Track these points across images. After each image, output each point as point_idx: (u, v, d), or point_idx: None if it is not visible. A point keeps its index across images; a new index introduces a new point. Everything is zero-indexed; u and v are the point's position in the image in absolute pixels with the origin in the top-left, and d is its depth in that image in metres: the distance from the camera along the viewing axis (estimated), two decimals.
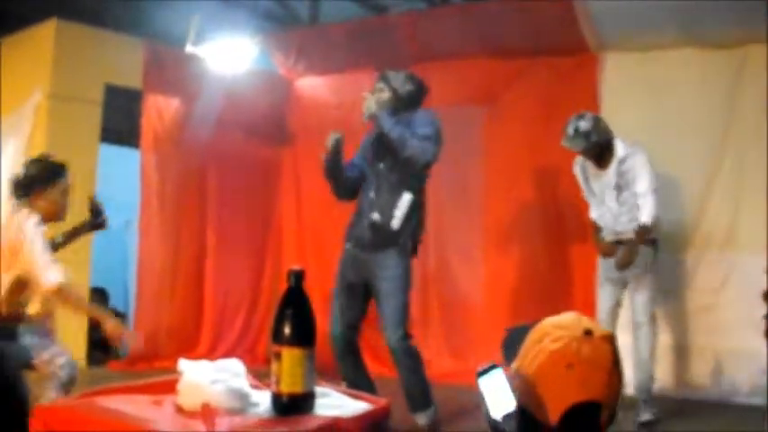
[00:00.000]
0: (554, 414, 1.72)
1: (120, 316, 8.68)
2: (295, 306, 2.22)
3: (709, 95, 6.35)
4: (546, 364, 1.76)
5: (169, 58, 7.44)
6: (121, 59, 7.46)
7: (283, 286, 2.25)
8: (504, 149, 7.06)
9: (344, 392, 2.52)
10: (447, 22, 7.25)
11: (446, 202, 7.25)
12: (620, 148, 5.72)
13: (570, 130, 5.67)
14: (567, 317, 1.88)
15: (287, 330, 2.18)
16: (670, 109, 6.36)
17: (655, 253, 5.73)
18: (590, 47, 6.70)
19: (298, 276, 2.23)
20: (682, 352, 6.37)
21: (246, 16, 8.41)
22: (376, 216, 4.94)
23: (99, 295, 8.48)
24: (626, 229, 5.72)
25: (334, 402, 2.39)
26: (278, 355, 2.19)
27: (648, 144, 6.33)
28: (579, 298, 6.46)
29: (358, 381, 4.94)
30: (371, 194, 5.00)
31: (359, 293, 5.05)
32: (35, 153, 7.13)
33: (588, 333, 1.79)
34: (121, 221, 9.37)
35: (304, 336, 2.20)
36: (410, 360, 4.94)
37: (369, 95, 4.96)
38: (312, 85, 8.09)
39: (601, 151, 5.73)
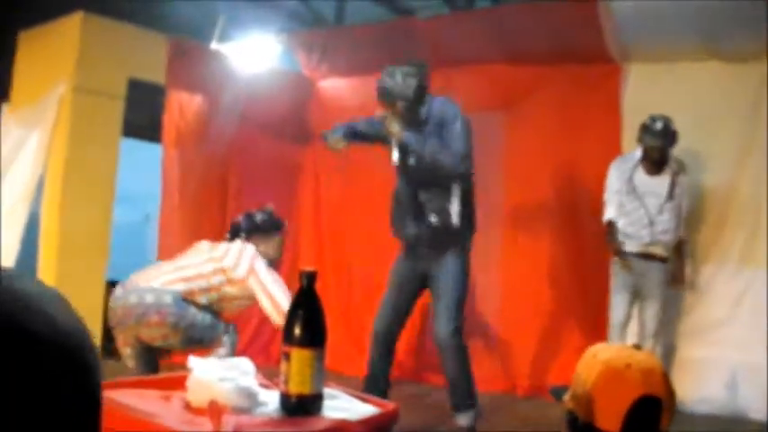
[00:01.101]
0: (617, 415, 1.76)
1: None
2: (306, 307, 2.22)
3: (733, 109, 6.32)
4: (604, 372, 1.82)
5: (193, 55, 7.44)
6: (145, 54, 7.49)
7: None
8: (524, 156, 7.04)
9: (353, 395, 2.52)
10: (470, 28, 7.24)
11: None
12: (672, 161, 5.94)
13: (658, 126, 5.83)
14: (610, 344, 1.98)
15: (297, 331, 2.19)
16: (692, 122, 6.32)
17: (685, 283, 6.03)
18: (614, 57, 6.68)
19: (309, 277, 2.24)
20: (694, 365, 6.34)
21: (272, 15, 8.44)
22: (434, 219, 4.91)
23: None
24: (656, 240, 5.85)
25: (342, 405, 2.39)
26: (287, 356, 2.19)
27: None
28: (594, 304, 6.43)
29: (382, 377, 5.05)
30: (421, 197, 4.94)
31: (411, 292, 5.09)
32: (59, 145, 7.22)
33: (636, 347, 1.87)
34: (141, 215, 9.40)
35: (314, 337, 2.21)
36: (460, 355, 4.94)
37: (387, 116, 4.90)
38: (335, 86, 8.09)
39: (664, 156, 5.89)
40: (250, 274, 4.55)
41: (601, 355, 1.89)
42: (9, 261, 7.24)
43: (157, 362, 4.73)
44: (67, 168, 7.17)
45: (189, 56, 7.32)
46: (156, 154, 7.49)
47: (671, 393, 1.84)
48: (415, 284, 5.09)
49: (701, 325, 6.40)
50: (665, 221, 5.87)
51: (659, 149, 5.85)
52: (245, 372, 2.37)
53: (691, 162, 6.22)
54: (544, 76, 6.98)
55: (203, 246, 4.78)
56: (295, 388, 2.19)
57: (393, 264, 5.22)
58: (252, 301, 4.62)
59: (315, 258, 7.77)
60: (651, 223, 5.86)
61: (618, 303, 5.94)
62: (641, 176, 5.96)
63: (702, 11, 5.98)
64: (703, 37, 6.21)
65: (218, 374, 2.28)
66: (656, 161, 5.90)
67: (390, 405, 2.48)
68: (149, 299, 4.44)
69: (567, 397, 1.96)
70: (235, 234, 4.85)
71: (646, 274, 5.93)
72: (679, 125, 6.34)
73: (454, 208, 4.91)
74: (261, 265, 4.59)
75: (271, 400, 2.32)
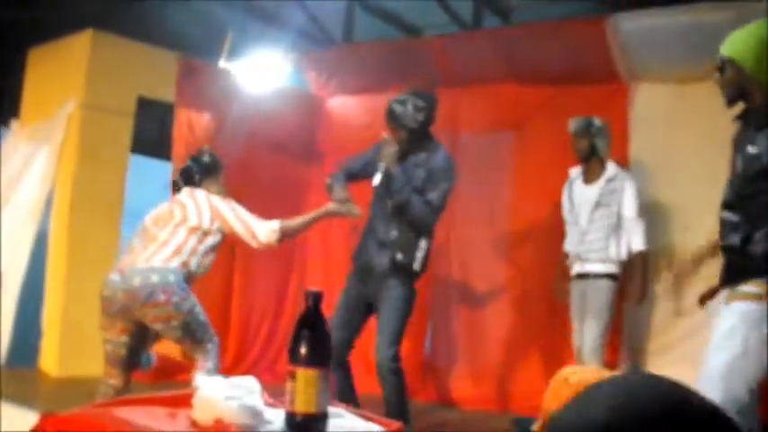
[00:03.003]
0: None
1: (145, 327, 8.72)
2: (311, 327, 2.22)
3: None
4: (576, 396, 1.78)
5: (202, 73, 7.47)
6: (155, 72, 7.54)
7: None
8: (532, 176, 7.04)
9: (358, 414, 2.52)
10: (478, 47, 7.26)
11: (473, 228, 7.27)
12: (611, 168, 5.83)
13: (582, 118, 5.82)
14: (581, 366, 1.94)
15: (302, 350, 2.18)
16: (701, 143, 6.31)
17: (614, 289, 5.74)
18: (621, 77, 6.68)
19: (315, 297, 2.24)
20: None
21: (280, 34, 8.46)
22: (400, 256, 5.07)
23: None
24: (588, 249, 5.75)
25: (347, 423, 2.39)
26: (293, 375, 2.19)
27: (678, 177, 6.32)
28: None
29: (346, 392, 5.13)
30: (392, 234, 5.11)
31: (361, 311, 5.21)
32: (67, 162, 7.24)
33: (610, 368, 1.84)
34: None
35: (319, 357, 2.21)
36: (396, 379, 5.07)
37: (387, 139, 5.06)
38: (343, 105, 8.11)
39: (590, 154, 5.83)
40: (215, 215, 4.74)
41: (571, 378, 1.86)
42: (17, 278, 7.26)
43: (141, 354, 4.88)
44: (76, 185, 7.20)
45: (198, 74, 7.35)
46: (164, 171, 7.51)
47: None
48: (363, 307, 5.24)
49: (669, 342, 6.36)
50: (596, 230, 5.75)
51: (574, 144, 5.84)
52: (251, 390, 2.36)
53: (700, 181, 6.19)
54: (552, 96, 6.98)
55: (160, 216, 4.81)
56: (300, 407, 2.18)
57: (344, 286, 5.35)
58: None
59: (321, 277, 7.77)
60: (583, 232, 5.80)
61: (574, 333, 5.89)
62: (579, 187, 5.94)
63: (711, 30, 5.97)
64: (711, 57, 6.19)
65: (224, 393, 2.27)
66: (581, 158, 5.86)
67: (395, 424, 2.48)
68: (155, 278, 4.47)
69: (535, 427, 1.94)
70: (189, 179, 4.98)
71: (586, 295, 5.79)
72: (687, 144, 6.34)
73: (420, 253, 5.11)
74: (218, 202, 4.80)
75: (276, 419, 2.31)
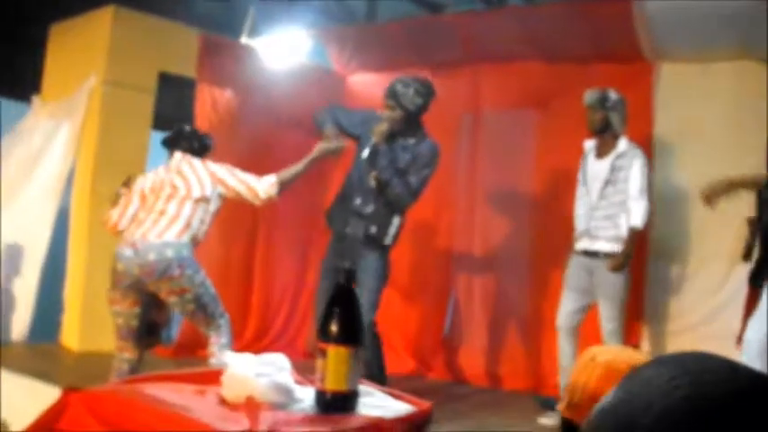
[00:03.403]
0: None
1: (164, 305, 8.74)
2: (343, 304, 2.21)
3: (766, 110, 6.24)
4: (605, 375, 1.77)
5: (223, 49, 7.44)
6: (176, 48, 7.52)
7: None
8: (555, 154, 6.99)
9: (388, 393, 2.50)
10: (502, 25, 7.22)
11: (494, 207, 7.24)
12: (622, 143, 5.72)
13: (598, 88, 5.73)
14: (607, 345, 1.91)
15: (334, 328, 2.17)
16: (725, 123, 6.26)
17: (612, 266, 5.62)
18: (646, 56, 6.62)
19: (348, 273, 2.22)
20: None
21: (302, 11, 8.43)
22: (373, 229, 5.34)
23: None
24: (597, 227, 5.68)
25: (377, 402, 2.38)
26: (324, 353, 2.18)
27: (702, 157, 6.26)
28: (627, 309, 6.36)
29: None
30: (369, 207, 5.36)
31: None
32: (89, 138, 7.24)
33: (635, 346, 1.82)
34: None
35: (351, 335, 2.19)
36: (375, 342, 5.40)
37: (383, 119, 5.33)
38: (365, 82, 8.06)
39: (604, 127, 5.74)
40: (215, 180, 4.88)
41: (599, 357, 1.84)
42: (39, 254, 7.28)
43: (161, 330, 5.09)
44: (97, 161, 7.21)
45: (219, 51, 7.32)
46: None
47: None
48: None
49: (691, 323, 6.33)
50: (605, 207, 5.67)
51: (589, 116, 5.77)
52: (282, 368, 2.35)
53: (724, 162, 6.14)
54: (576, 75, 6.92)
55: (159, 186, 4.87)
56: (331, 385, 2.18)
57: (324, 256, 5.61)
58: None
59: None
60: (592, 207, 5.71)
61: (562, 303, 5.84)
62: (592, 161, 5.86)
63: (737, 10, 5.91)
64: (737, 36, 6.14)
65: (255, 370, 2.26)
66: (595, 132, 5.79)
67: (425, 403, 2.47)
68: (170, 253, 4.62)
69: (561, 406, 1.91)
70: (188, 147, 5.08)
71: (594, 274, 5.71)
72: (711, 123, 6.28)
73: (392, 229, 5.39)
74: (216, 166, 4.96)
75: (306, 397, 2.30)
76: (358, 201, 5.38)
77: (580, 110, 6.23)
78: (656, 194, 6.42)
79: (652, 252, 6.51)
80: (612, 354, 1.87)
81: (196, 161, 4.94)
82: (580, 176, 5.96)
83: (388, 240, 5.37)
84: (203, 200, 4.81)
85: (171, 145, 5.10)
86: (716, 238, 6.20)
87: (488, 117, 7.36)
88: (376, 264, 5.35)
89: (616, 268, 5.54)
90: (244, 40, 7.71)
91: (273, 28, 7.70)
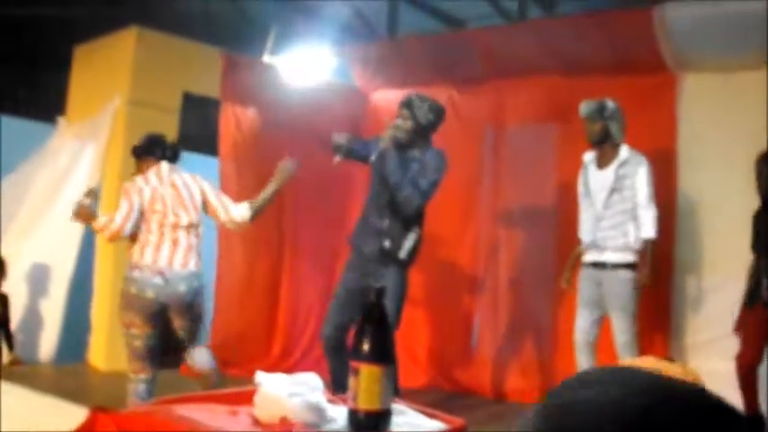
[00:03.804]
0: None
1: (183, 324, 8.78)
2: (375, 323, 2.21)
3: None
4: None
5: (247, 68, 7.48)
6: (200, 68, 7.57)
7: None
8: (577, 168, 6.97)
9: (420, 411, 2.50)
10: (522, 39, 7.22)
11: (517, 221, 7.24)
12: (624, 151, 5.69)
13: (594, 101, 5.70)
14: (642, 357, 1.87)
15: (366, 347, 2.17)
16: (749, 133, 6.22)
17: (635, 279, 5.60)
18: (668, 67, 6.60)
19: (379, 293, 2.23)
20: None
21: (324, 29, 8.46)
22: (387, 244, 5.36)
23: None
24: (605, 237, 5.65)
25: (410, 421, 2.37)
26: (356, 372, 2.18)
27: (727, 169, 6.23)
28: (648, 319, 6.33)
29: (343, 379, 5.16)
30: (384, 222, 5.40)
31: (356, 299, 5.35)
32: (114, 158, 7.29)
33: (670, 360, 1.78)
34: None
35: (383, 353, 2.19)
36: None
37: (391, 126, 5.36)
38: (388, 99, 8.05)
39: (604, 138, 5.71)
40: (203, 196, 5.11)
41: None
42: (66, 275, 7.33)
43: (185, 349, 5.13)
44: (123, 181, 7.23)
45: (242, 70, 7.36)
46: (209, 166, 7.53)
47: None
48: (359, 292, 5.39)
49: (713, 336, 6.28)
50: (612, 216, 5.64)
51: (587, 128, 5.73)
52: (314, 387, 2.36)
53: (748, 172, 6.12)
54: (598, 88, 6.87)
55: (160, 207, 4.93)
56: (364, 404, 2.17)
57: (342, 274, 5.68)
58: None
59: None
60: (598, 218, 5.68)
61: (578, 318, 5.80)
62: (593, 172, 5.83)
63: (759, 18, 5.89)
64: (760, 45, 6.11)
65: (287, 390, 2.27)
66: (594, 143, 5.76)
67: (458, 421, 2.46)
68: (196, 284, 4.91)
69: None
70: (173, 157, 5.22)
71: (602, 285, 5.67)
72: (735, 135, 6.24)
73: (407, 243, 5.38)
74: (204, 182, 5.17)
75: (339, 416, 2.31)
76: (374, 217, 5.43)
77: None
78: (680, 207, 6.41)
79: (677, 265, 6.48)
80: (648, 367, 1.84)
81: (185, 174, 5.08)
82: (582, 189, 5.95)
83: (403, 254, 5.36)
84: (199, 224, 5.03)
85: (144, 153, 5.20)
86: (741, 251, 6.16)
87: (511, 131, 7.37)
88: (392, 281, 5.34)
89: (643, 282, 5.54)
90: (266, 58, 7.75)
91: (296, 46, 7.74)
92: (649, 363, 1.94)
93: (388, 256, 5.37)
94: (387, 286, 5.23)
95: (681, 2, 6.34)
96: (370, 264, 5.41)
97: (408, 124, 5.39)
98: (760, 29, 5.95)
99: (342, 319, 5.39)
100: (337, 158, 5.40)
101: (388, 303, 5.23)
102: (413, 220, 5.40)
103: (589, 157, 5.92)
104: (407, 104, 5.44)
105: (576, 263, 5.99)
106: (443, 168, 5.44)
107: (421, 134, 5.45)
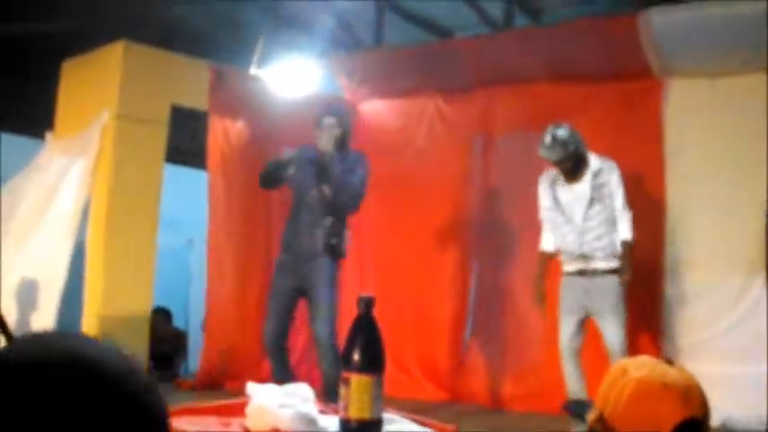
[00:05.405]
0: None
1: (182, 335, 8.78)
2: (365, 333, 2.22)
3: None
4: (637, 391, 1.75)
5: (234, 80, 7.49)
6: (187, 81, 7.57)
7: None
8: None
9: (412, 419, 2.51)
10: (511, 47, 7.25)
11: (507, 229, 7.24)
12: (593, 161, 5.74)
13: (548, 140, 5.67)
14: (639, 357, 1.87)
15: (356, 357, 2.18)
16: (737, 137, 6.26)
17: (622, 282, 5.65)
18: (655, 73, 6.63)
19: (368, 303, 2.23)
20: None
21: (311, 40, 8.47)
22: (333, 240, 5.72)
23: (163, 315, 8.57)
24: (592, 248, 5.67)
25: (401, 428, 2.38)
26: (347, 381, 2.19)
27: (713, 172, 6.26)
28: (640, 322, 6.34)
29: (285, 379, 5.32)
30: (327, 221, 5.72)
31: (290, 300, 5.78)
32: (103, 172, 7.28)
33: (668, 361, 1.79)
34: (184, 240, 9.41)
35: (373, 363, 2.20)
36: (333, 355, 5.51)
37: (321, 132, 5.76)
38: (376, 109, 8.10)
39: (576, 163, 5.71)
40: None
41: (632, 372, 1.80)
42: (56, 290, 7.31)
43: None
44: (112, 195, 7.23)
45: (230, 82, 7.37)
46: (197, 179, 7.54)
47: (708, 410, 1.78)
48: (292, 296, 5.82)
49: (710, 337, 6.31)
50: (593, 227, 5.67)
51: (559, 161, 5.70)
52: (306, 398, 2.37)
53: (737, 177, 6.15)
54: (585, 95, 6.95)
55: None
56: (355, 413, 2.18)
57: (272, 279, 6.03)
58: None
59: (356, 281, 7.74)
60: (581, 231, 5.70)
61: (562, 328, 5.82)
62: (562, 187, 5.84)
63: (744, 23, 5.93)
64: (745, 50, 6.15)
65: (279, 401, 2.28)
66: (567, 170, 5.75)
67: (449, 428, 2.48)
68: None
69: (590, 417, 1.90)
70: None
71: (591, 293, 5.71)
72: (722, 138, 6.28)
73: (345, 238, 5.79)
74: None
75: (331, 426, 2.32)
76: (310, 217, 5.79)
77: (591, 130, 6.25)
78: (669, 210, 6.44)
79: (668, 267, 6.50)
80: (646, 369, 1.83)
81: None
82: (547, 203, 5.95)
83: (344, 250, 5.78)
84: None
85: None
86: (730, 252, 6.20)
87: (501, 140, 7.38)
88: (330, 274, 5.75)
89: (626, 281, 5.58)
90: (254, 70, 7.76)
91: (283, 58, 7.74)
92: (648, 362, 1.95)
93: (331, 252, 5.69)
94: (323, 279, 5.69)
95: (666, 7, 6.38)
96: (304, 263, 5.72)
97: (337, 131, 5.77)
98: (745, 33, 5.99)
99: (276, 328, 5.74)
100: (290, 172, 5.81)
101: (327, 294, 5.62)
102: (343, 220, 5.79)
103: (550, 175, 5.94)
104: (333, 113, 5.88)
105: (546, 273, 6.00)
106: (367, 164, 5.85)
107: (347, 140, 5.89)
